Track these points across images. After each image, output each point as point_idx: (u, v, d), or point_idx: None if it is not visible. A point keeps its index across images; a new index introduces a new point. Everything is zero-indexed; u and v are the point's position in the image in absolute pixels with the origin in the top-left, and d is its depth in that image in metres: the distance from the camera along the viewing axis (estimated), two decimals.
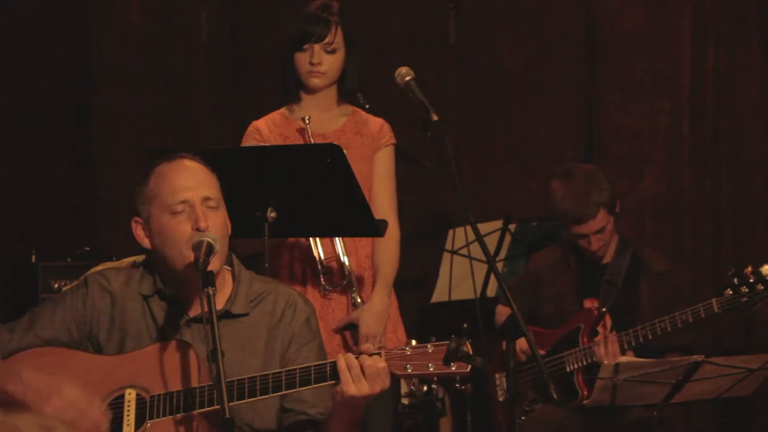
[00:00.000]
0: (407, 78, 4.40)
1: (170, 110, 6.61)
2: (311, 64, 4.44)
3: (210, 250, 3.32)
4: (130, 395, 3.34)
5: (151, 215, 3.44)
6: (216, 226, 3.40)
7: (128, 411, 3.33)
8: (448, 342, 3.22)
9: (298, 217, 4.19)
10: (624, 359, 4.59)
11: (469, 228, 4.24)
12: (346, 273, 4.45)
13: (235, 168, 3.97)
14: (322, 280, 4.45)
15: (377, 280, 4.47)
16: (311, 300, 4.38)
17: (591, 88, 6.47)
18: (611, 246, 5.13)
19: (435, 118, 4.31)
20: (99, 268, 3.71)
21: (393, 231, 4.51)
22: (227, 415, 3.07)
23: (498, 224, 5.82)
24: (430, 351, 3.24)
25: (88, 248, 5.84)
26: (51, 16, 6.48)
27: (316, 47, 4.43)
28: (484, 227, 5.39)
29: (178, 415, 3.29)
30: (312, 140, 4.44)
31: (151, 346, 3.40)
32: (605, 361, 4.71)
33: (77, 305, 3.50)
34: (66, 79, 6.53)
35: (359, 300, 4.44)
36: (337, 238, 4.46)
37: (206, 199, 3.42)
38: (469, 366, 3.21)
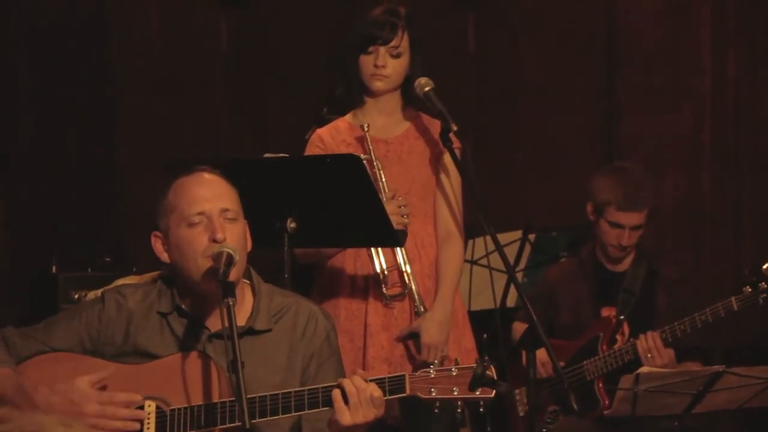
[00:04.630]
0: (426, 88, 4.39)
1: (191, 119, 6.62)
2: (375, 66, 4.40)
3: (230, 260, 3.29)
4: (150, 407, 3.33)
5: (170, 228, 3.42)
6: (234, 238, 3.37)
7: (148, 423, 3.31)
8: (472, 365, 3.23)
9: (318, 228, 4.17)
10: (645, 369, 4.58)
11: (488, 238, 4.24)
12: (407, 282, 4.40)
13: (254, 178, 3.94)
14: (383, 289, 4.40)
15: (439, 288, 4.41)
16: (373, 310, 4.38)
17: (612, 96, 6.45)
18: (629, 254, 5.14)
19: (455, 127, 4.31)
20: (122, 281, 3.70)
21: (457, 238, 4.47)
22: (247, 426, 3.06)
23: (518, 234, 5.80)
24: (454, 374, 3.24)
25: (109, 259, 5.84)
26: (74, 28, 6.49)
27: (382, 50, 4.39)
28: (503, 237, 5.36)
29: (199, 430, 3.28)
30: (371, 147, 4.41)
31: (171, 356, 3.38)
32: (648, 355, 4.80)
33: (92, 320, 3.48)
34: (88, 90, 6.54)
35: (422, 308, 4.37)
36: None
37: (224, 210, 3.40)
38: (494, 391, 3.22)
